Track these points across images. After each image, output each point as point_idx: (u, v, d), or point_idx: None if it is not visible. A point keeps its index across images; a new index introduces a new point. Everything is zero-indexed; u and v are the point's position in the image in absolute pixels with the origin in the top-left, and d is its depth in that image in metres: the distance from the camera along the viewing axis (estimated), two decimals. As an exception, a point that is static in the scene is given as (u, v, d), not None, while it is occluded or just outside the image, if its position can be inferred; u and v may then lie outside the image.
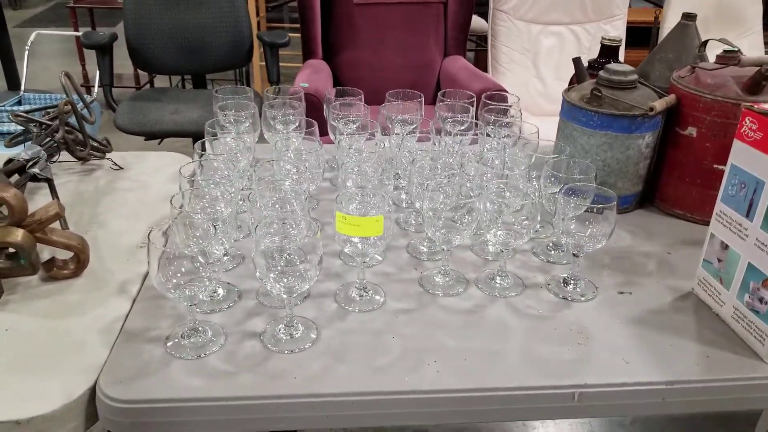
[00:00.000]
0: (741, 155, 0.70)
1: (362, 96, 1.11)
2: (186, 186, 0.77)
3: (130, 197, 0.97)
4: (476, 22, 3.37)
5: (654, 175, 1.01)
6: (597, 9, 2.52)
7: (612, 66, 0.96)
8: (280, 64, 2.24)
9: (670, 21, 2.59)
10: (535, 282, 0.81)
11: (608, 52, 1.09)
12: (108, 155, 1.01)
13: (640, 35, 3.17)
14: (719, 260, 0.74)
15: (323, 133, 1.03)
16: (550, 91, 2.52)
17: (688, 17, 1.08)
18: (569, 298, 0.77)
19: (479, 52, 3.93)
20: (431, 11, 2.27)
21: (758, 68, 0.88)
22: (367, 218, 0.67)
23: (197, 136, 1.75)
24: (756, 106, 0.68)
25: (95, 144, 0.98)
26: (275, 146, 0.94)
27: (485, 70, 2.47)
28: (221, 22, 2.08)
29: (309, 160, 0.89)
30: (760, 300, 0.68)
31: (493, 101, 1.37)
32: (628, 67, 0.96)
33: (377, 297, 0.76)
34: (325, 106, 1.12)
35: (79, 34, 2.22)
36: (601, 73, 0.97)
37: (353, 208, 0.75)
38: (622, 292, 0.79)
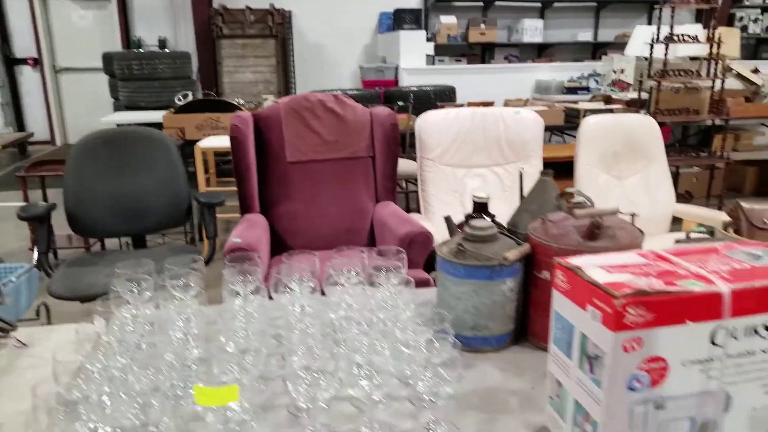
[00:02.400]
0: (558, 302, 0.80)
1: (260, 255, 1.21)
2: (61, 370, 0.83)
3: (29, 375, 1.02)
4: (410, 165, 3.64)
5: (524, 313, 1.10)
6: (514, 152, 2.77)
7: (475, 222, 1.10)
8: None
9: (582, 159, 2.85)
10: (404, 429, 0.86)
11: (479, 207, 1.23)
12: (13, 333, 1.07)
13: (567, 168, 3.45)
14: (557, 396, 0.81)
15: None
16: (480, 227, 2.68)
17: (545, 174, 1.24)
18: (431, 444, 0.83)
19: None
20: (360, 165, 2.48)
21: (591, 220, 1.01)
22: (221, 388, 0.74)
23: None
24: (563, 261, 0.79)
25: None
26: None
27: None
28: (160, 186, 2.24)
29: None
30: (586, 434, 0.74)
31: (417, 242, 1.47)
32: (488, 223, 1.09)
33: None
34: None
35: (24, 204, 2.34)
36: (466, 228, 1.10)
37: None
38: (481, 433, 0.85)
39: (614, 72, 6.06)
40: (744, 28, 8.16)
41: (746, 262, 0.76)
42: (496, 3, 7.29)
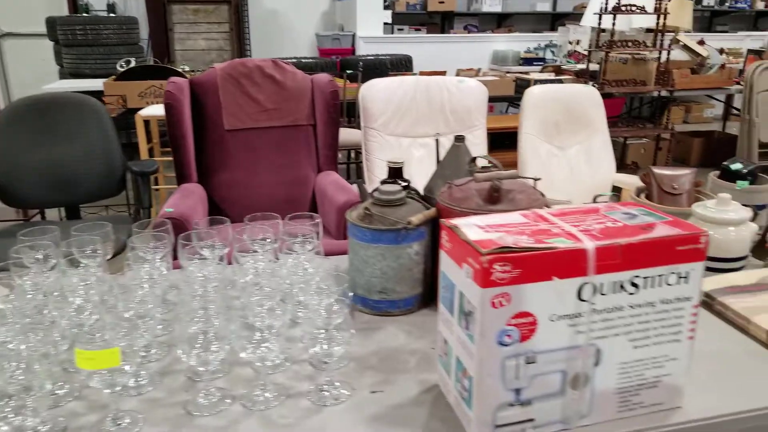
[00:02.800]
0: (443, 262, 0.81)
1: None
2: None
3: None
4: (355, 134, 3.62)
5: (432, 276, 1.12)
6: (459, 121, 2.77)
7: (383, 187, 1.10)
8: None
9: (525, 128, 2.87)
10: (300, 391, 0.87)
11: (393, 173, 1.23)
12: None
13: (511, 138, 3.49)
14: (445, 354, 0.83)
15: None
16: (424, 196, 2.70)
17: (458, 139, 1.24)
18: (322, 404, 0.84)
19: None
20: (301, 133, 2.46)
21: (491, 183, 1.02)
22: (101, 351, 0.73)
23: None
24: (446, 221, 0.80)
25: None
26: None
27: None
28: (91, 155, 2.18)
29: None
30: (464, 388, 0.76)
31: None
32: (396, 188, 1.10)
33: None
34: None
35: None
36: (374, 193, 1.10)
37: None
38: (374, 392, 0.87)
39: (570, 43, 6.10)
40: (698, 1, 8.27)
41: (621, 222, 0.78)
42: (455, -29, 7.22)
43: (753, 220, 1.27)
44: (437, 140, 1.38)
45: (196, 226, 1.16)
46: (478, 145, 2.80)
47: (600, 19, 3.93)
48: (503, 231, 0.75)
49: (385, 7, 6.48)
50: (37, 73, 7.07)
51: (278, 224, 1.19)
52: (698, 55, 4.34)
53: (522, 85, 4.24)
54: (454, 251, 0.77)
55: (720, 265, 1.20)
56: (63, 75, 5.87)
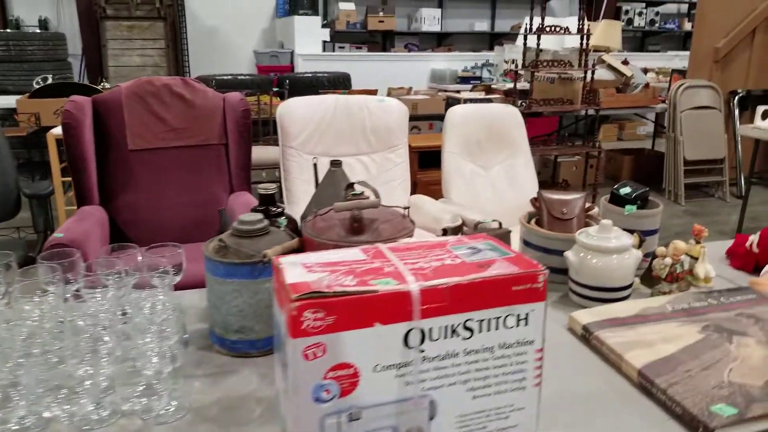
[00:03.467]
0: (275, 304, 0.74)
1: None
2: None
3: None
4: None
5: (298, 314, 1.05)
6: (380, 141, 2.73)
7: (243, 216, 1.02)
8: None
9: (447, 148, 2.85)
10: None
11: (265, 199, 1.16)
12: None
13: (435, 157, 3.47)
14: (280, 404, 0.76)
15: None
16: (345, 217, 2.64)
17: (335, 164, 1.18)
18: None
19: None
20: (212, 152, 2.36)
21: (351, 213, 0.96)
22: None
23: None
24: (276, 259, 0.73)
25: None
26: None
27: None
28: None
29: None
30: None
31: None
32: (256, 217, 1.02)
33: None
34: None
35: None
36: (234, 223, 1.02)
37: None
38: None
39: (506, 62, 6.20)
40: (629, 21, 8.57)
41: (460, 258, 0.73)
42: (396, -10, 7.28)
43: (639, 246, 1.25)
44: (315, 164, 1.31)
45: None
46: (399, 165, 2.76)
47: (525, 39, 3.99)
48: (329, 270, 0.68)
49: (324, 26, 6.46)
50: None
51: (136, 255, 1.10)
52: (623, 74, 4.45)
53: (452, 103, 4.26)
54: (279, 293, 0.70)
55: (603, 294, 1.17)
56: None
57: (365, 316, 0.64)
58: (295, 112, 2.58)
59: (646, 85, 4.55)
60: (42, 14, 6.75)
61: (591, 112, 4.29)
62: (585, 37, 4.04)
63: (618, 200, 1.38)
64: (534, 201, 1.39)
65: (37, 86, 3.75)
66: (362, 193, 1.09)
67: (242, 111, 2.32)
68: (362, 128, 2.70)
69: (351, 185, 1.14)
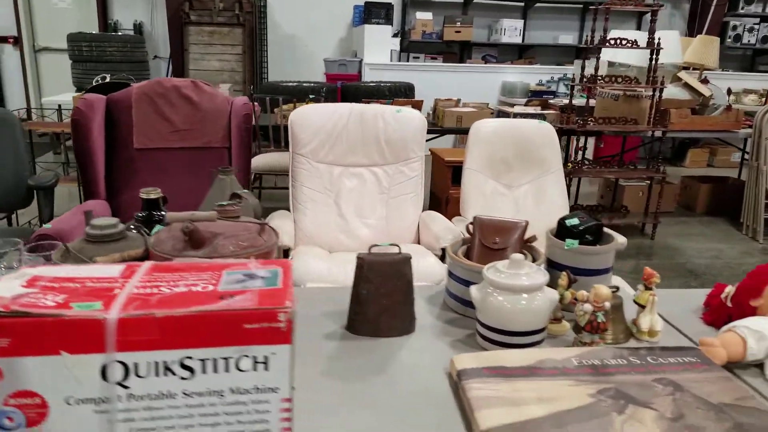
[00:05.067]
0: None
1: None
2: None
3: None
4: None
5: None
6: (394, 153, 2.64)
7: (96, 221, 0.98)
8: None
9: (468, 164, 2.71)
10: None
11: (148, 205, 1.12)
12: None
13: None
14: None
15: None
16: (351, 227, 2.57)
17: (223, 172, 1.12)
18: None
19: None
20: (214, 155, 2.38)
21: (182, 226, 0.89)
22: None
23: None
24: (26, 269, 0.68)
25: None
26: None
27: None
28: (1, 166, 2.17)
29: None
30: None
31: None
32: (110, 222, 0.98)
33: None
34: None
35: None
36: (86, 228, 0.99)
37: None
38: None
39: (583, 77, 5.86)
40: (737, 38, 7.89)
41: (219, 285, 0.64)
42: (476, 1, 7.12)
43: (568, 287, 1.09)
44: (212, 173, 1.25)
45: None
46: (413, 178, 2.65)
47: (585, 52, 3.73)
48: (50, 287, 0.62)
49: (395, 35, 6.44)
50: (60, 85, 7.37)
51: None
52: (700, 94, 4.05)
53: (501, 117, 4.06)
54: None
55: (506, 339, 1.02)
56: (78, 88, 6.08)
57: (47, 342, 0.56)
58: (307, 119, 2.55)
59: (728, 108, 4.12)
60: (138, 18, 7.24)
61: (658, 133, 3.94)
62: (655, 52, 3.73)
63: (567, 232, 1.21)
64: (469, 226, 1.25)
65: (95, 84, 4.00)
66: (239, 202, 1.02)
67: (244, 115, 2.32)
68: (376, 139, 2.63)
69: (235, 195, 1.08)
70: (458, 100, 4.13)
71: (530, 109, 4.18)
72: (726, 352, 0.99)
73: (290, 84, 5.49)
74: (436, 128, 4.04)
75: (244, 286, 0.64)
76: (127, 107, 2.30)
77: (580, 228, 1.19)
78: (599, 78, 3.68)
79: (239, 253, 0.88)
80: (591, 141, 6.14)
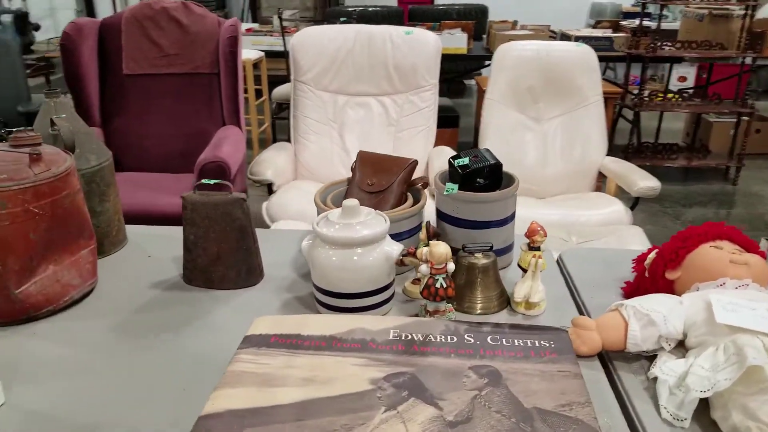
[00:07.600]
0: None
1: None
2: None
3: None
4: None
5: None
6: (403, 81, 2.41)
7: None
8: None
9: (489, 93, 2.42)
10: None
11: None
12: None
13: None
14: None
15: None
16: (354, 162, 2.41)
17: (49, 95, 1.01)
18: None
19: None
20: (203, 82, 2.28)
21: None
22: None
23: None
24: None
25: None
26: None
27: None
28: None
29: None
30: None
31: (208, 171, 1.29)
32: None
33: None
34: None
35: None
36: None
37: None
38: None
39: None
40: None
41: None
42: None
43: (430, 241, 0.89)
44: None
45: None
46: (423, 110, 2.42)
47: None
48: None
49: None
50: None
51: None
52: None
53: (563, 40, 3.60)
54: None
55: (336, 302, 0.85)
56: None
57: None
58: (308, 43, 2.37)
59: None
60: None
61: (748, 61, 3.32)
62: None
63: (458, 176, 0.99)
64: (353, 165, 1.06)
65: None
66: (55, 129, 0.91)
67: (228, 38, 2.18)
68: (384, 65, 2.40)
69: (52, 121, 0.96)
70: (515, 22, 3.71)
71: (598, 32, 3.67)
72: (600, 339, 0.76)
73: (357, 8, 5.26)
74: (489, 53, 3.68)
75: None
76: (117, 32, 2.25)
77: (470, 169, 0.96)
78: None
79: (-6, 187, 0.78)
80: (692, 71, 5.39)
